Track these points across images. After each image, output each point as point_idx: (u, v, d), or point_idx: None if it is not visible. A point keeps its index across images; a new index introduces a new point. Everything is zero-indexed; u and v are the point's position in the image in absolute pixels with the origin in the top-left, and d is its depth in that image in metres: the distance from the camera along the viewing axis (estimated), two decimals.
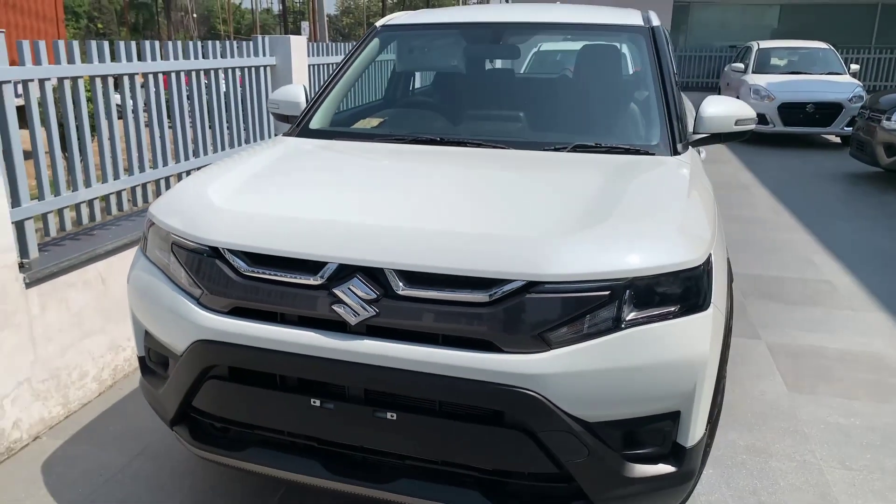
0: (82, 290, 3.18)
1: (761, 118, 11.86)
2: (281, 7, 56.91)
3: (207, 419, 2.23)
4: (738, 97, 12.47)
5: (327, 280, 1.94)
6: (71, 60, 3.22)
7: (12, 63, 2.85)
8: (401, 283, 1.89)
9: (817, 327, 4.30)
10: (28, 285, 2.89)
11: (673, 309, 1.89)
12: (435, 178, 2.46)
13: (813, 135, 12.31)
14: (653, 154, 2.61)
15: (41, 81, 3.05)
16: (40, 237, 3.23)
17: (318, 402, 2.00)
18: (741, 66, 13.60)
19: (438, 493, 1.99)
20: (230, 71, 4.68)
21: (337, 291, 1.92)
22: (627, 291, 1.85)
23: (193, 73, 4.26)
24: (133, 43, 3.61)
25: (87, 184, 3.40)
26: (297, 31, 51.97)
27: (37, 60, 3.03)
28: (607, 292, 1.83)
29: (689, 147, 2.80)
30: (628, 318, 1.85)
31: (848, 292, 4.90)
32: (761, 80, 12.32)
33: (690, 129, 2.87)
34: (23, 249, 3.01)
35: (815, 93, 11.64)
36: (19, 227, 2.98)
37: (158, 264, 2.25)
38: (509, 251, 1.86)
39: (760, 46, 13.58)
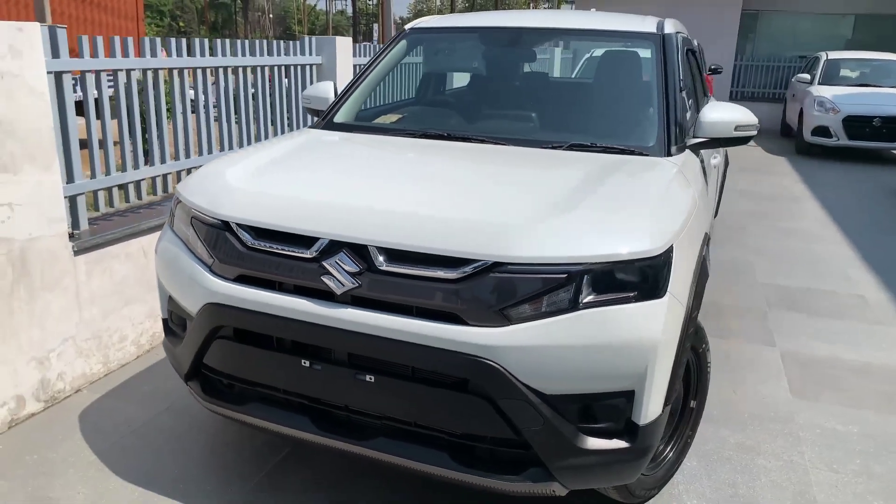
0: (125, 262, 3.51)
1: (825, 131, 11.59)
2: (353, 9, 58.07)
3: (216, 376, 2.49)
4: (801, 109, 12.26)
5: (319, 254, 2.16)
6: (125, 54, 3.57)
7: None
8: (382, 259, 2.10)
9: (837, 338, 4.29)
10: (76, 253, 3.23)
11: (629, 294, 2.03)
12: (429, 168, 2.67)
13: (880, 150, 11.95)
14: (645, 155, 2.74)
15: (114, 72, 3.42)
16: (92, 212, 3.58)
17: (307, 363, 2.23)
18: (807, 76, 13.27)
19: (411, 452, 2.19)
20: (278, 68, 4.99)
21: (326, 264, 2.14)
22: (585, 276, 2.00)
23: (248, 69, 4.59)
24: (183, 41, 3.94)
25: (136, 167, 3.74)
26: (370, 34, 52.93)
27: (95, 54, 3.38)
28: (564, 275, 1.99)
29: (686, 150, 2.91)
30: (585, 300, 2.01)
31: (879, 307, 4.85)
32: (826, 91, 12.00)
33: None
34: (74, 222, 3.36)
35: (882, 106, 11.30)
36: (72, 201, 3.33)
37: (181, 236, 2.52)
38: (478, 234, 2.05)
39: (829, 57, 13.21)
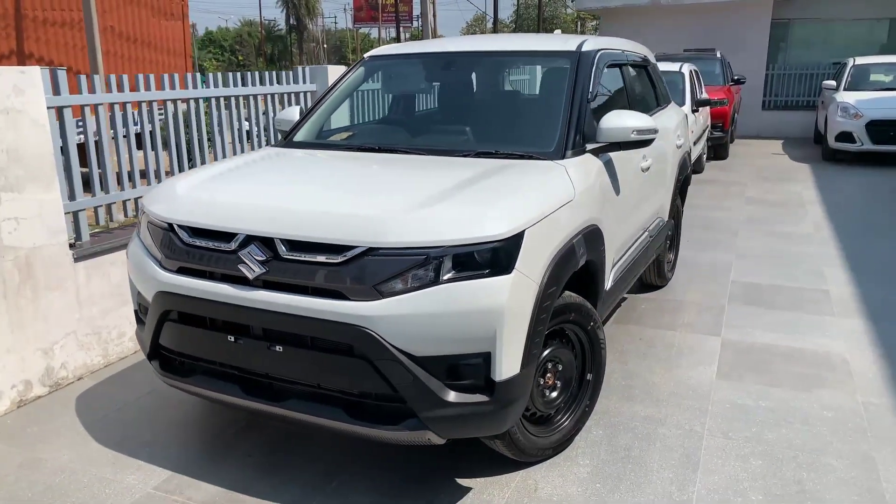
0: (122, 268, 4.07)
1: (848, 136, 11.58)
2: (407, 37, 59.42)
3: (170, 354, 2.98)
4: (826, 115, 12.28)
5: (238, 246, 2.64)
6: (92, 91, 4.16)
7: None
8: (284, 249, 2.56)
9: (783, 328, 4.53)
10: (76, 260, 3.80)
11: (481, 271, 2.43)
12: (341, 174, 3.14)
13: None
14: (540, 159, 3.13)
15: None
16: (94, 226, 4.17)
17: (233, 339, 2.70)
18: (833, 83, 13.25)
19: (316, 410, 2.62)
20: (271, 97, 5.56)
21: (241, 255, 2.61)
22: (444, 257, 2.42)
23: (239, 99, 5.16)
24: (176, 75, 4.53)
25: (134, 186, 4.32)
26: None
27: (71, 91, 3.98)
28: (424, 257, 2.41)
29: (587, 153, 3.28)
30: (446, 276, 2.42)
31: (839, 301, 5.04)
32: (850, 97, 11.98)
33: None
34: (77, 233, 3.94)
35: None
36: (75, 216, 3.91)
37: (143, 240, 3.04)
38: (356, 225, 2.49)
39: (856, 63, 13.16)
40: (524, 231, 2.52)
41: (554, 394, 3.02)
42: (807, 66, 16.64)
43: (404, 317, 2.40)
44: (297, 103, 5.82)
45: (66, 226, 3.75)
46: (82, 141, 4.12)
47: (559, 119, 3.33)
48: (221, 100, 4.99)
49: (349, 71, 4.22)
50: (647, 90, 4.88)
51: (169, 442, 3.23)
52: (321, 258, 2.50)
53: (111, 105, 4.27)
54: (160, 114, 4.55)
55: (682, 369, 3.95)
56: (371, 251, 2.44)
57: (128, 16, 15.64)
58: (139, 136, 4.48)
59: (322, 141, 3.79)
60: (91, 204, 4.05)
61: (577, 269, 2.88)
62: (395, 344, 2.42)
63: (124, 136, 4.31)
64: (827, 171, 11.16)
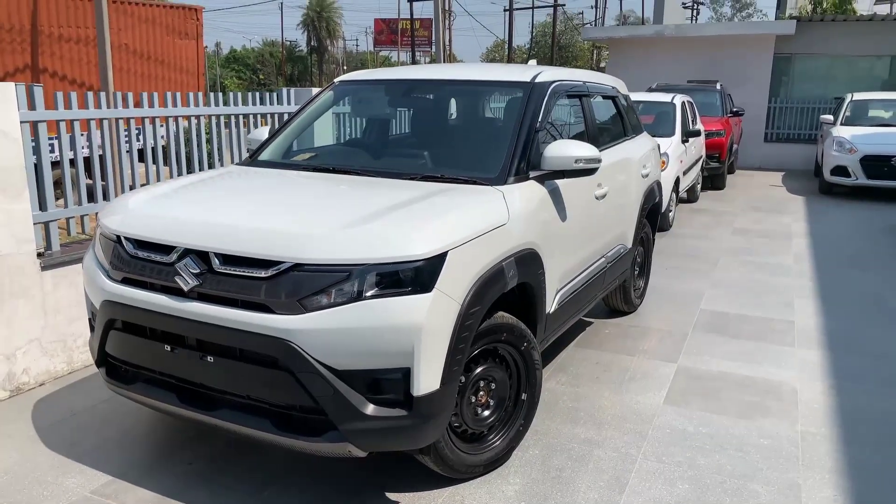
0: None
1: (843, 170, 11.63)
2: (427, 60, 60.10)
3: (115, 362, 3.09)
4: (823, 149, 12.33)
5: (176, 259, 2.75)
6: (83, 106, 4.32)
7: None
8: (217, 262, 2.67)
9: (741, 357, 4.57)
10: (43, 268, 3.94)
11: (402, 289, 2.53)
12: (285, 192, 3.26)
13: None
14: (481, 184, 3.22)
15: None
16: (65, 237, 4.31)
17: (169, 348, 2.80)
18: (830, 117, 13.32)
19: (244, 420, 2.71)
20: (258, 117, 5.72)
21: (177, 266, 2.73)
22: (366, 274, 2.52)
23: (222, 118, 5.33)
24: (156, 94, 4.70)
25: (106, 198, 4.46)
26: None
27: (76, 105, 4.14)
28: (347, 274, 2.51)
29: (530, 180, 3.37)
30: (368, 293, 2.52)
31: (803, 332, 5.08)
32: (846, 132, 12.04)
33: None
34: (48, 243, 4.08)
35: None
36: (46, 226, 4.05)
37: (95, 251, 3.16)
38: (284, 241, 2.60)
39: (854, 98, 13.24)
40: (447, 252, 2.62)
41: (486, 412, 3.10)
42: (809, 100, 16.72)
43: (326, 331, 2.50)
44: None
45: (34, 235, 3.89)
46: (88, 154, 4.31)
47: (505, 147, 3.43)
48: (213, 118, 5.16)
49: (318, 94, 4.36)
50: (613, 120, 4.98)
51: (115, 448, 3.33)
52: (251, 272, 2.60)
53: (122, 120, 4.48)
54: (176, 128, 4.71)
55: (632, 394, 4.01)
56: (297, 267, 2.55)
57: (143, 34, 15.99)
58: (144, 151, 4.67)
59: (283, 161, 3.92)
60: (62, 215, 4.19)
61: (506, 290, 2.96)
62: (316, 357, 2.51)
63: (127, 152, 4.51)
64: (821, 204, 11.19)
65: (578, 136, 4.14)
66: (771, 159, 16.65)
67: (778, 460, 3.29)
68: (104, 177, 4.37)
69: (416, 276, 2.55)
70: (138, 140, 4.71)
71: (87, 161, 4.41)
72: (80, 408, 3.73)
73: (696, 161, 10.63)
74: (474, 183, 3.24)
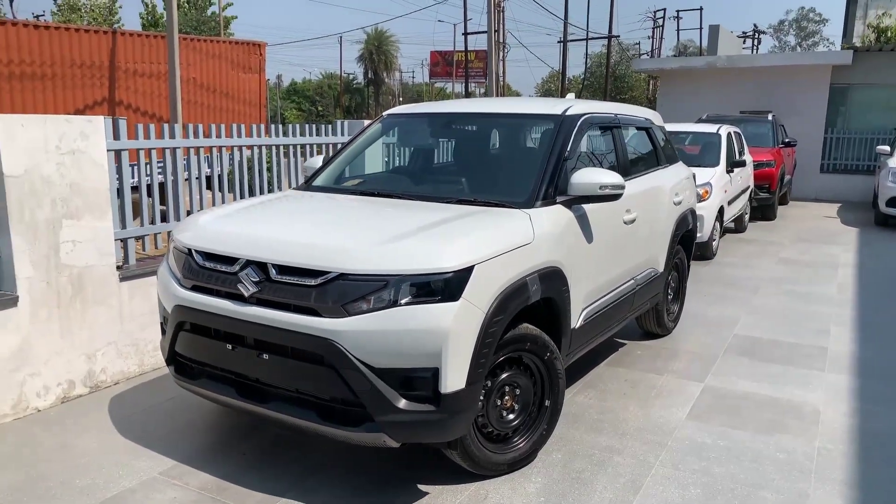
0: None
1: None
2: (482, 92, 60.96)
3: (183, 360, 3.50)
4: (879, 181, 12.23)
5: (239, 269, 3.15)
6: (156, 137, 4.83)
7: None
8: (275, 272, 3.06)
9: (767, 379, 4.72)
10: (121, 280, 4.41)
11: (433, 298, 2.86)
12: (335, 213, 3.64)
13: None
14: (510, 207, 3.54)
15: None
16: (140, 252, 4.80)
17: (230, 347, 3.19)
18: (887, 148, 13.21)
19: (294, 411, 3.07)
20: (314, 147, 6.19)
21: (240, 275, 3.12)
22: (402, 283, 2.86)
23: (281, 148, 5.81)
24: (222, 125, 5.19)
25: (177, 220, 4.95)
26: None
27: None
28: (384, 283, 2.86)
29: (557, 205, 3.68)
30: (402, 300, 2.86)
31: (834, 358, 5.18)
32: None
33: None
34: (126, 257, 4.57)
35: None
36: (125, 242, 4.55)
37: (169, 263, 3.60)
38: (331, 255, 2.97)
39: None
40: (474, 266, 2.94)
41: (511, 416, 3.38)
42: (867, 130, 16.52)
43: (366, 333, 2.85)
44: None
45: (114, 250, 4.37)
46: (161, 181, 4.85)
47: (534, 173, 3.75)
48: (273, 147, 5.64)
49: (368, 126, 4.78)
50: (646, 150, 5.25)
51: (180, 438, 3.73)
52: (302, 281, 2.98)
53: (193, 149, 5.00)
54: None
55: (656, 409, 4.22)
56: (342, 276, 2.91)
57: (210, 69, 16.95)
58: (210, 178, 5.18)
59: (335, 186, 4.32)
60: (140, 233, 4.68)
61: (529, 303, 3.26)
62: (357, 356, 2.85)
63: (196, 178, 5.02)
64: (874, 235, 11.10)
65: (608, 165, 4.43)
66: (827, 190, 16.47)
67: (791, 472, 3.46)
68: (176, 200, 4.85)
69: (445, 287, 2.88)
70: (208, 167, 5.21)
71: (162, 186, 4.91)
72: (149, 404, 4.16)
73: (743, 191, 10.70)
74: (504, 206, 3.56)
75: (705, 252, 8.87)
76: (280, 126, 5.87)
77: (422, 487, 3.27)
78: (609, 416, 4.11)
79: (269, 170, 5.81)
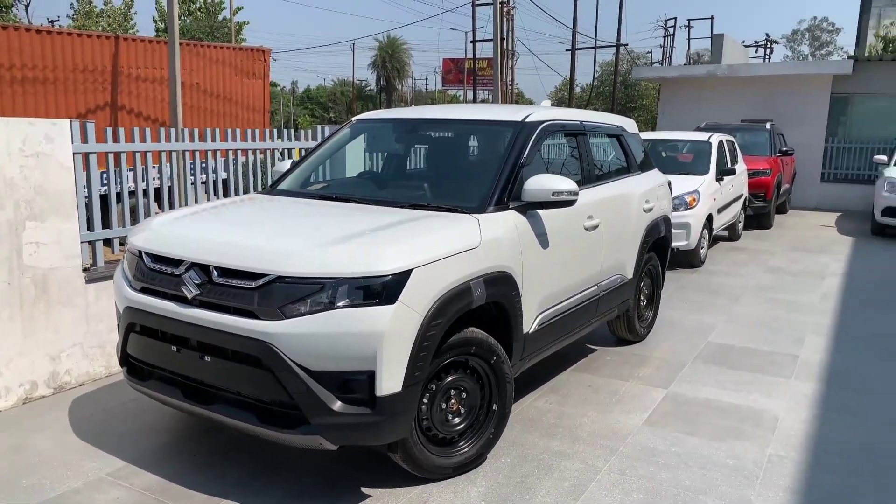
0: None
1: (893, 212, 11.46)
2: (492, 99, 61.03)
3: (135, 361, 3.54)
4: (875, 190, 12.17)
5: (183, 271, 3.19)
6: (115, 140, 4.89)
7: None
8: (216, 274, 3.09)
9: (733, 386, 4.71)
10: (88, 281, 4.47)
11: (369, 301, 2.89)
12: (286, 216, 3.68)
13: None
14: (460, 212, 3.56)
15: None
16: (108, 255, 4.86)
17: (175, 349, 3.23)
18: (884, 158, 13.16)
19: (234, 413, 3.10)
20: (294, 151, 6.24)
21: (183, 277, 3.16)
22: (338, 286, 2.89)
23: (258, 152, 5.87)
24: (196, 130, 5.25)
25: None
26: None
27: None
28: (321, 286, 2.89)
29: (510, 210, 3.69)
30: (339, 303, 2.89)
31: (804, 366, 5.16)
32: None
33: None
34: (94, 259, 4.62)
35: None
36: (92, 244, 4.60)
37: (123, 266, 3.64)
38: (269, 257, 3.00)
39: None
40: (412, 270, 2.96)
41: (457, 419, 3.39)
42: (868, 140, 16.43)
43: (302, 335, 2.87)
44: None
45: (81, 252, 4.43)
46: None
47: (489, 179, 3.78)
48: (258, 151, 5.72)
49: (336, 131, 4.82)
50: (615, 157, 5.26)
51: (133, 439, 3.76)
52: (242, 283, 3.01)
53: (177, 153, 5.08)
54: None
55: (614, 415, 4.22)
56: (280, 279, 2.94)
57: (214, 74, 17.09)
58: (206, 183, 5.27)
59: (298, 190, 4.36)
60: (106, 235, 4.74)
61: (473, 307, 3.27)
62: (293, 358, 2.88)
63: (192, 184, 5.10)
64: (869, 245, 11.03)
65: (571, 172, 4.45)
66: (828, 200, 16.38)
67: (737, 478, 3.45)
68: (171, 204, 4.91)
69: (382, 290, 2.90)
70: (194, 171, 5.28)
71: (157, 191, 4.99)
72: (110, 405, 4.21)
73: (736, 199, 10.67)
74: (456, 211, 3.59)
75: (693, 259, 8.85)
76: (276, 130, 5.94)
77: (365, 490, 3.29)
78: (566, 421, 4.11)
79: (264, 173, 5.86)
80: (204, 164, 5.48)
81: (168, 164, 5.09)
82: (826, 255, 9.95)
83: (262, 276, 2.96)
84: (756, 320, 6.42)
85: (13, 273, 4.07)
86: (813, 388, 4.70)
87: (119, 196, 4.83)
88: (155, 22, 29.72)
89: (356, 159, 6.11)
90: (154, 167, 4.93)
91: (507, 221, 3.65)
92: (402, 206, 3.70)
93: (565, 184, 3.73)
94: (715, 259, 9.52)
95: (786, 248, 10.66)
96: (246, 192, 5.78)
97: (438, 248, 3.14)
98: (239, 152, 5.66)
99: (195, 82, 16.43)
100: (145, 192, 4.78)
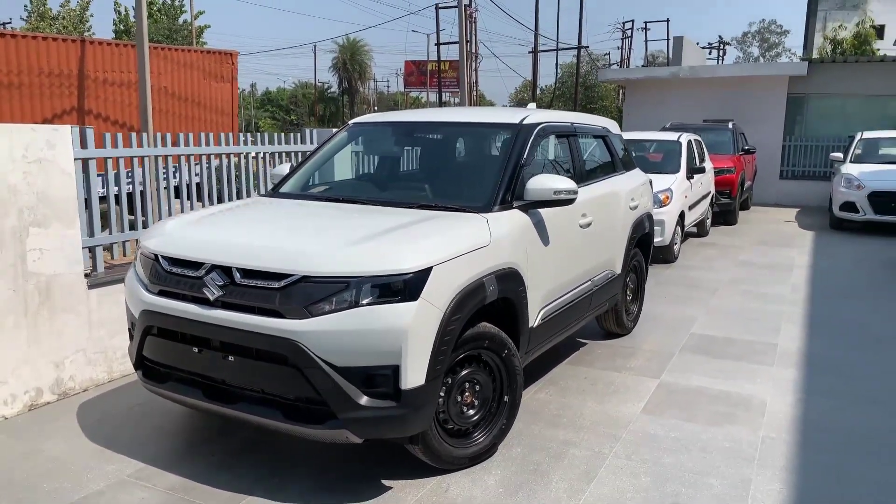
0: None
1: (852, 206, 11.94)
2: (456, 102, 61.24)
3: (151, 364, 3.58)
4: (833, 186, 12.64)
5: (204, 273, 3.25)
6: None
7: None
8: (239, 276, 3.17)
9: (720, 374, 4.92)
10: (90, 287, 4.48)
11: (392, 298, 2.99)
12: (299, 218, 3.77)
13: None
14: (468, 212, 3.69)
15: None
16: (109, 259, 4.86)
17: (196, 350, 3.29)
18: (840, 155, 13.67)
19: (259, 411, 3.18)
20: (279, 154, 6.29)
21: (205, 279, 3.23)
22: (362, 285, 2.99)
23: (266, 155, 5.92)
24: (191, 135, 5.28)
25: (145, 227, 5.02)
26: None
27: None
28: (345, 284, 2.99)
29: (514, 209, 3.83)
30: (363, 301, 2.99)
31: (783, 353, 5.41)
32: (854, 169, 12.36)
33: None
34: (94, 265, 4.63)
35: None
36: (92, 250, 4.61)
37: (136, 269, 3.68)
38: (293, 257, 3.09)
39: (864, 136, 13.56)
40: (432, 267, 3.08)
41: (471, 411, 3.51)
42: (824, 138, 17.03)
43: (328, 333, 2.97)
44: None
45: (83, 258, 4.44)
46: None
47: (492, 180, 3.91)
48: (241, 156, 5.74)
49: (335, 134, 4.91)
50: (602, 157, 5.45)
51: (148, 441, 3.80)
52: (266, 284, 3.09)
53: (161, 158, 5.09)
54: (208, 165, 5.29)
55: (612, 404, 4.39)
56: (304, 279, 3.03)
57: (182, 78, 16.92)
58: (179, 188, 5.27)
59: (301, 192, 4.44)
60: (108, 241, 4.75)
61: (486, 303, 3.40)
62: (319, 355, 2.97)
63: (165, 188, 5.10)
64: (829, 238, 11.47)
65: (564, 172, 4.61)
66: (787, 196, 16.94)
67: (736, 460, 3.65)
68: (144, 209, 4.92)
69: (405, 287, 3.02)
70: (175, 177, 5.30)
71: (130, 196, 4.98)
72: (117, 409, 4.23)
73: (704, 197, 11.00)
74: (463, 211, 3.72)
75: (667, 255, 9.12)
76: (248, 134, 5.97)
77: (385, 482, 3.39)
78: (568, 411, 4.27)
79: (238, 178, 5.90)
80: (175, 168, 5.44)
81: (140, 169, 5.07)
82: (791, 249, 10.32)
83: (287, 276, 3.05)
84: (733, 311, 6.68)
85: (18, 280, 4.07)
86: (794, 374, 4.95)
87: (118, 200, 4.84)
88: (114, 24, 29.22)
89: (347, 162, 6.20)
90: (127, 171, 4.92)
91: (512, 220, 3.79)
92: (411, 207, 3.81)
93: (565, 183, 3.89)
94: (687, 254, 9.82)
95: (752, 242, 11.03)
96: (220, 196, 5.79)
97: (454, 247, 3.27)
98: (212, 156, 5.67)
99: (163, 86, 16.25)
100: (118, 197, 4.76)
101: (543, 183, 3.86)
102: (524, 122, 4.30)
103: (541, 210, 4.01)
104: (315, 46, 79.51)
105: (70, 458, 3.63)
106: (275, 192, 4.51)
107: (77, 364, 4.45)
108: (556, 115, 4.76)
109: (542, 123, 4.39)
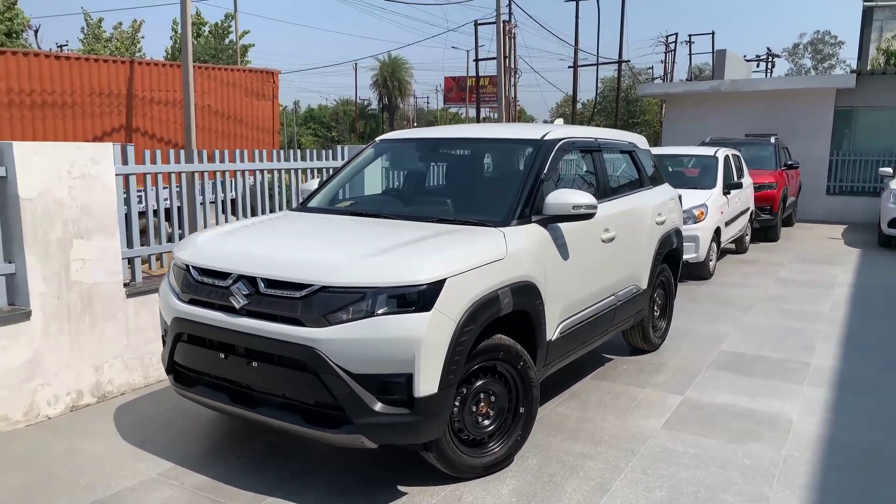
0: None
1: None
2: (495, 117, 61.51)
3: (181, 369, 3.75)
4: (881, 202, 12.35)
5: (231, 283, 3.41)
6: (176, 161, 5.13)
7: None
8: (263, 285, 3.31)
9: (747, 392, 4.88)
10: (128, 296, 4.69)
11: (407, 308, 3.10)
12: (322, 231, 3.90)
13: None
14: (486, 226, 3.78)
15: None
16: (147, 270, 5.08)
17: (223, 356, 3.44)
18: (889, 170, 13.36)
19: (280, 415, 3.31)
20: (315, 171, 6.48)
21: (231, 289, 3.38)
22: (378, 295, 3.10)
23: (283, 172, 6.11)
24: (226, 151, 5.49)
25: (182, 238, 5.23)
26: None
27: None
28: (362, 295, 3.10)
29: (532, 223, 3.91)
30: (379, 311, 3.10)
31: (815, 372, 5.33)
32: None
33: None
34: (133, 274, 4.85)
35: None
36: (131, 261, 4.83)
37: (169, 279, 3.87)
38: (314, 269, 3.22)
39: None
40: (445, 279, 3.18)
41: (486, 421, 3.58)
42: (872, 152, 16.63)
43: (345, 341, 3.08)
44: None
45: (122, 268, 4.65)
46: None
47: (511, 195, 3.99)
48: (275, 172, 5.95)
49: (361, 151, 5.06)
50: (628, 172, 5.48)
51: (179, 444, 3.97)
52: (288, 293, 3.23)
53: (198, 173, 5.32)
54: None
55: (634, 419, 4.40)
56: (324, 289, 3.16)
57: (225, 96, 17.42)
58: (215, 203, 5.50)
59: (328, 207, 4.59)
60: (145, 252, 4.97)
61: (501, 315, 3.48)
62: (337, 362, 3.09)
63: (201, 203, 5.32)
64: (876, 256, 11.19)
65: (587, 187, 4.66)
66: (833, 212, 16.57)
67: (755, 477, 3.63)
68: (181, 223, 5.14)
69: (418, 298, 3.12)
70: (213, 192, 5.52)
71: (168, 211, 5.22)
72: (152, 413, 4.41)
73: (742, 213, 10.87)
74: (481, 225, 3.80)
75: (702, 272, 9.04)
76: (282, 151, 6.17)
77: (401, 488, 3.48)
78: (587, 425, 4.29)
79: (271, 194, 6.11)
80: (213, 183, 5.67)
81: (178, 186, 5.29)
82: (834, 267, 10.11)
83: (307, 286, 3.18)
84: (767, 329, 6.60)
85: (62, 288, 4.29)
86: (825, 394, 4.87)
87: (156, 213, 5.07)
88: (173, 41, 30.32)
89: (374, 178, 6.35)
90: (164, 188, 5.14)
91: (530, 234, 3.86)
92: (430, 221, 3.92)
93: (584, 198, 3.94)
94: (724, 271, 9.71)
95: (794, 259, 10.84)
96: (254, 210, 5.98)
97: (469, 260, 3.36)
98: (246, 173, 5.87)
99: (207, 104, 16.75)
100: (156, 211, 4.97)
101: (562, 197, 3.92)
102: (545, 137, 4.37)
103: (560, 224, 4.07)
104: (356, 64, 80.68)
105: (106, 456, 3.81)
106: (303, 207, 4.67)
107: (115, 369, 4.66)
108: (579, 131, 4.82)
109: (563, 139, 4.46)
